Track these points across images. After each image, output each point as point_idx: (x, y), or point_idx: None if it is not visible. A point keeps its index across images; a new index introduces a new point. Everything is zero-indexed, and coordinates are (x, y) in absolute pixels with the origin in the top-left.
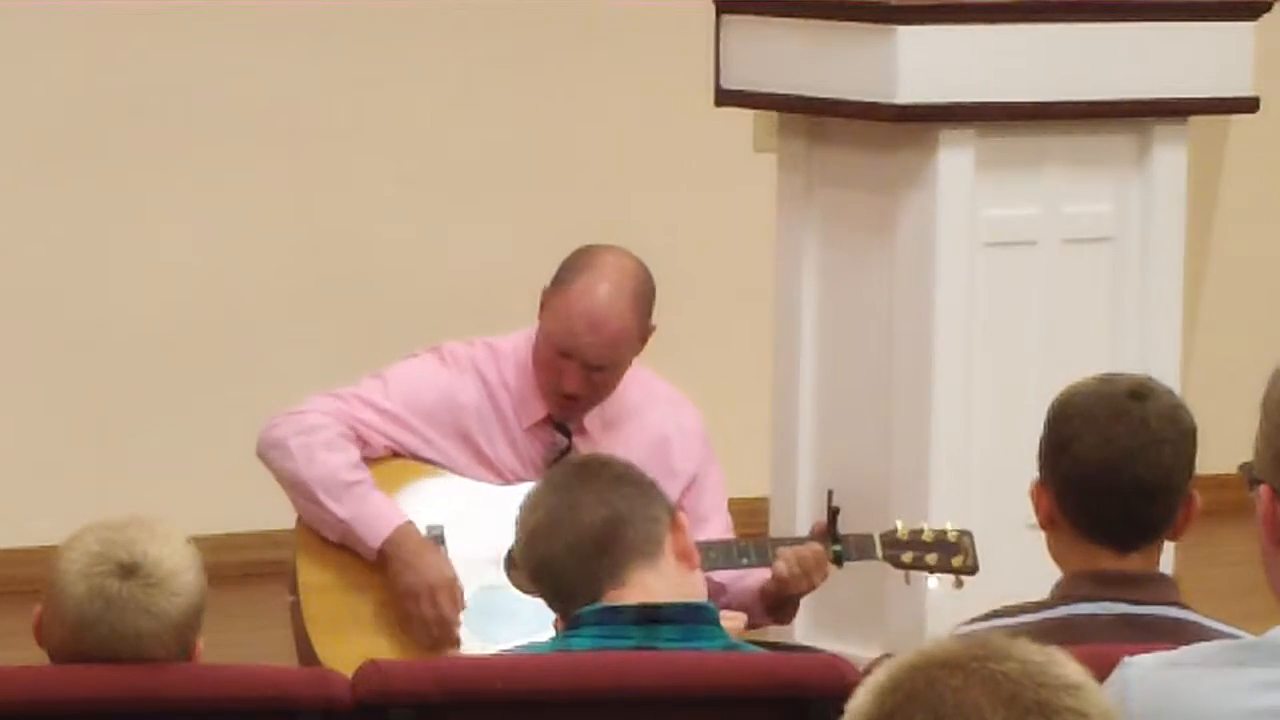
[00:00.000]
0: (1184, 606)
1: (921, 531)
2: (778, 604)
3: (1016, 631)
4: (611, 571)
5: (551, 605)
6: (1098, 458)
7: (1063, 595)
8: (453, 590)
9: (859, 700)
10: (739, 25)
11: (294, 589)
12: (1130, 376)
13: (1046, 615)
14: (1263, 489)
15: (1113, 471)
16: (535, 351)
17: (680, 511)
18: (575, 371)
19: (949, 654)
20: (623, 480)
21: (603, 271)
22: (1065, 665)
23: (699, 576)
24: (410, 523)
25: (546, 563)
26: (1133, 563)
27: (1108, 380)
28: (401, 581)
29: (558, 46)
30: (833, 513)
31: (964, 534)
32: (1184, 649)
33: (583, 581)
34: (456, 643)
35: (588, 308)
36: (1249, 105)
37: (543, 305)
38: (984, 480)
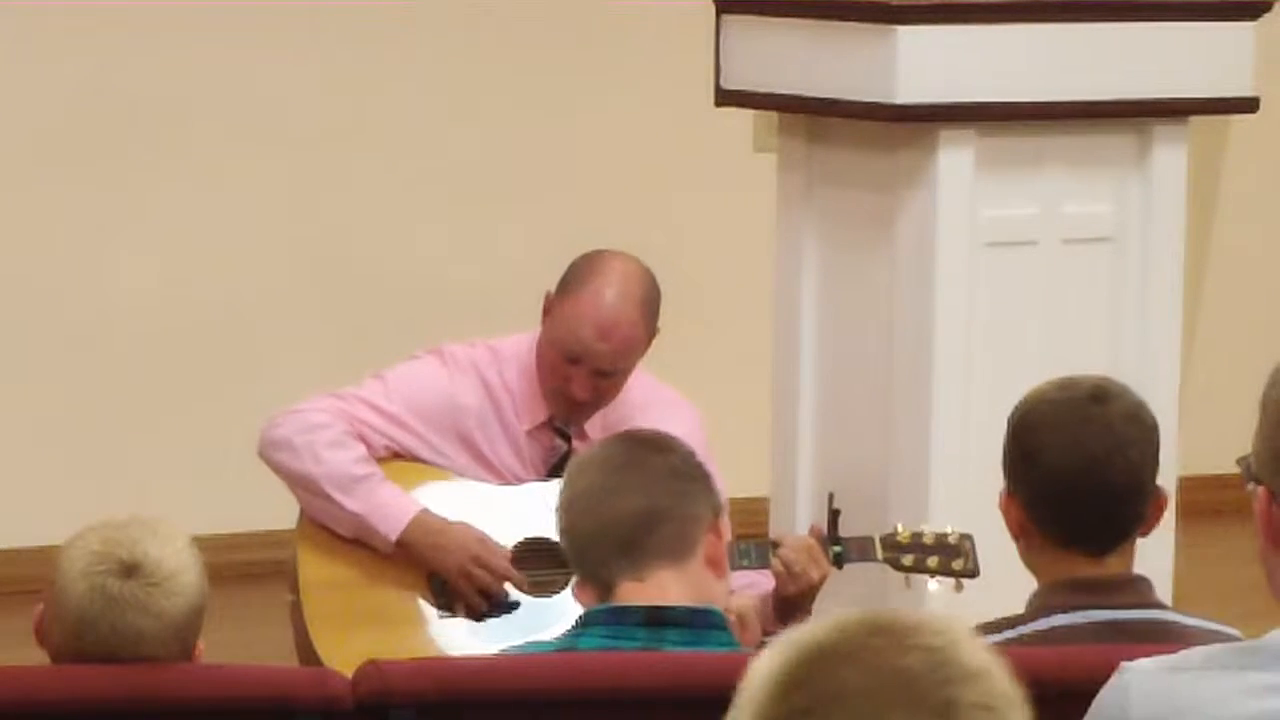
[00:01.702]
0: (1163, 607)
1: (922, 534)
2: (786, 608)
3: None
4: (633, 565)
5: (572, 566)
6: (1067, 465)
7: (1041, 607)
8: (491, 551)
9: (756, 688)
10: (739, 25)
11: (295, 588)
12: (1089, 379)
13: (1027, 630)
14: (1260, 490)
15: (1083, 478)
16: (540, 356)
17: (723, 517)
18: (584, 377)
19: (850, 643)
20: (675, 474)
21: (610, 277)
22: (968, 649)
23: (724, 585)
24: (426, 510)
25: (574, 534)
26: (1110, 567)
27: (1067, 385)
28: (441, 566)
29: (558, 46)
30: (833, 515)
31: (965, 537)
32: (1183, 653)
33: (603, 566)
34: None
35: (597, 314)
36: (1249, 105)
37: (547, 311)
38: (983, 480)
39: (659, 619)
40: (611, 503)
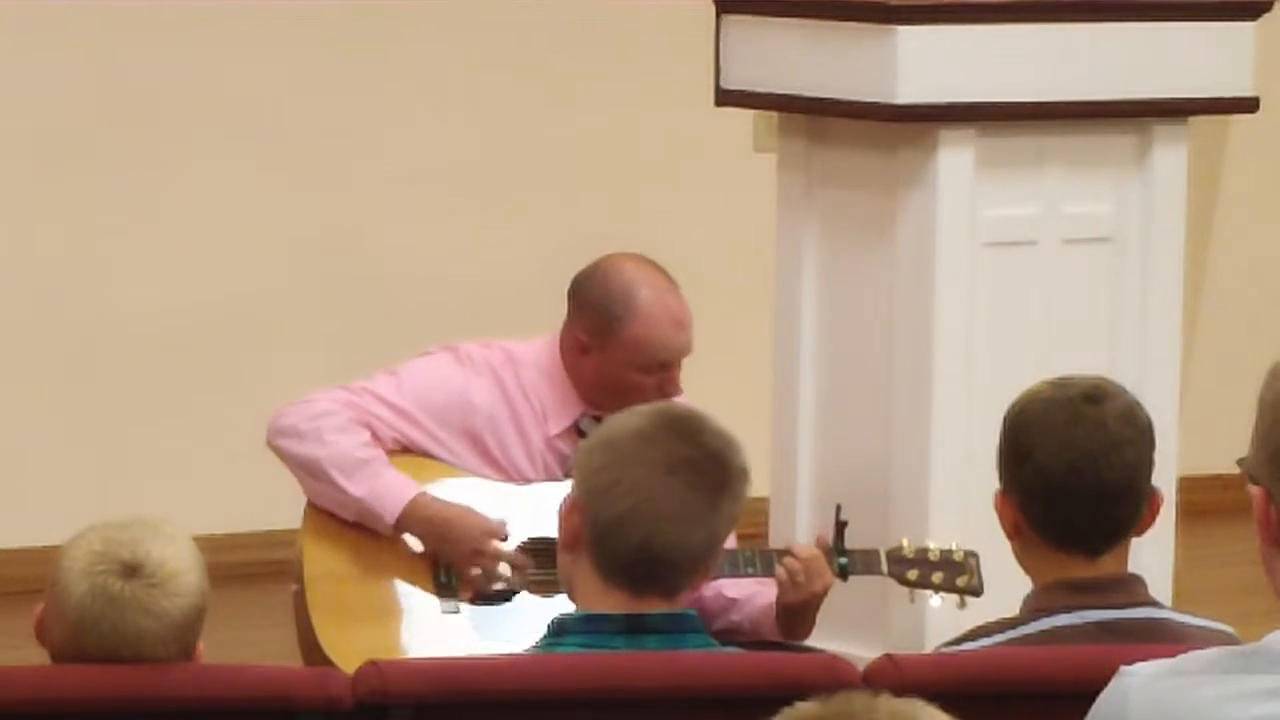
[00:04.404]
0: (1157, 605)
1: (928, 550)
2: (789, 618)
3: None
4: (640, 589)
5: (591, 534)
6: (1060, 464)
7: (1037, 609)
8: (491, 536)
9: None
10: (739, 25)
11: (299, 577)
12: (1085, 379)
13: (1026, 631)
14: (1256, 491)
15: (1076, 477)
16: (606, 383)
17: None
18: (675, 372)
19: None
20: (730, 521)
21: (640, 277)
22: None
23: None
24: (425, 493)
25: (602, 530)
26: (1104, 566)
27: (1062, 385)
28: (443, 554)
29: (558, 46)
30: (840, 526)
31: (970, 554)
32: (1182, 657)
33: (610, 575)
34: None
35: (666, 313)
36: (1249, 105)
37: (585, 350)
38: (983, 480)
39: (638, 627)
40: (672, 533)
